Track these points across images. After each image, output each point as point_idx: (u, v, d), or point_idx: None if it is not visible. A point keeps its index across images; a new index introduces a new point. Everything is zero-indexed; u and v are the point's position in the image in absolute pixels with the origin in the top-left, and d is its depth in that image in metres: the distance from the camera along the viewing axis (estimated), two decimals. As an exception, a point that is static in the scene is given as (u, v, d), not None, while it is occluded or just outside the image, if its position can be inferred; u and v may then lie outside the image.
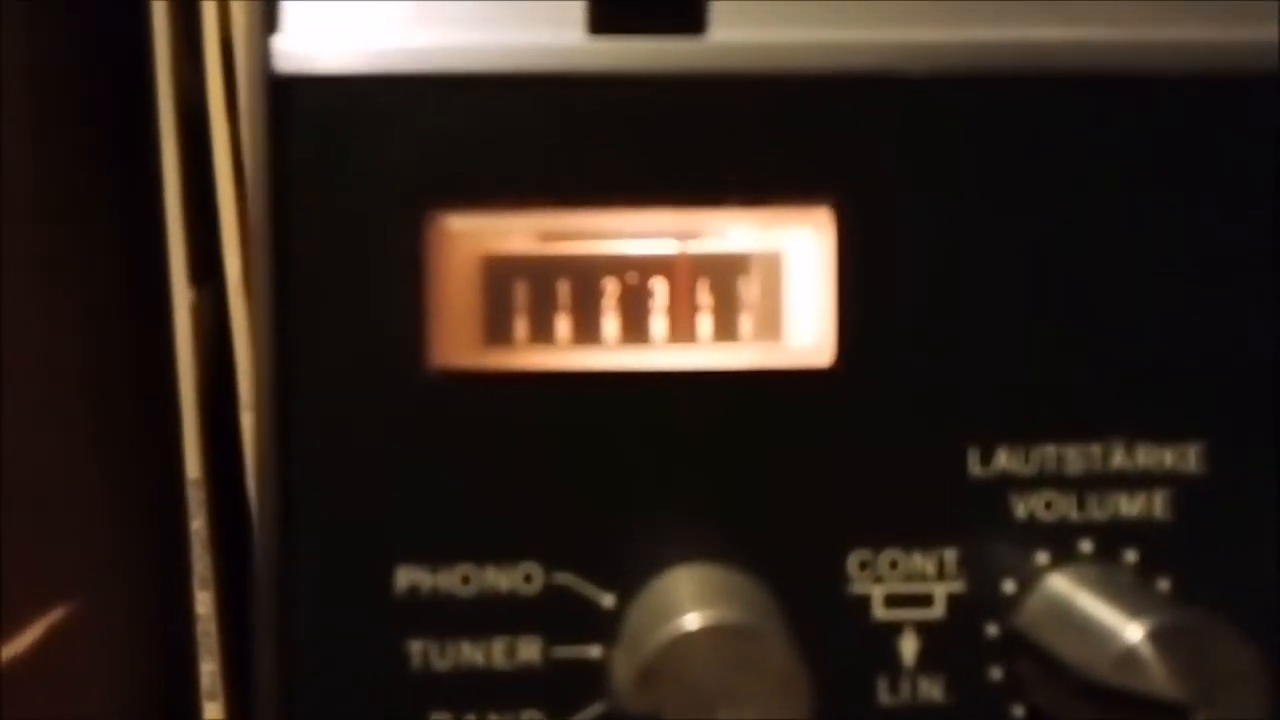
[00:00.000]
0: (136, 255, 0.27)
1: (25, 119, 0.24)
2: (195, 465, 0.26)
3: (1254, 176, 0.19)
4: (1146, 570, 0.19)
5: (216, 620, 0.26)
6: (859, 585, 0.19)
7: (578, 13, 0.19)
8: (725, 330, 0.19)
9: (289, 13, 0.19)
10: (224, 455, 0.26)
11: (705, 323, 0.19)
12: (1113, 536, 0.19)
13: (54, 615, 0.26)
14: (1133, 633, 0.16)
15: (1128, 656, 0.16)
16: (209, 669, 0.26)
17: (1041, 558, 0.19)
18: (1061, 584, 0.18)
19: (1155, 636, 0.16)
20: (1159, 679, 0.16)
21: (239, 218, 0.25)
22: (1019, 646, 0.18)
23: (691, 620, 0.16)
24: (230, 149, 0.25)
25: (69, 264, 0.26)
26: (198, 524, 0.26)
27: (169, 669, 0.27)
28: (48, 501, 0.25)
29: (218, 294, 0.26)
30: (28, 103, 0.24)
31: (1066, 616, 0.17)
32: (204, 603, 0.26)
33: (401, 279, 0.19)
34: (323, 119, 0.18)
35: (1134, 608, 0.16)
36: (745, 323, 0.19)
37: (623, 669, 0.17)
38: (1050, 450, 0.19)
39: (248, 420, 0.25)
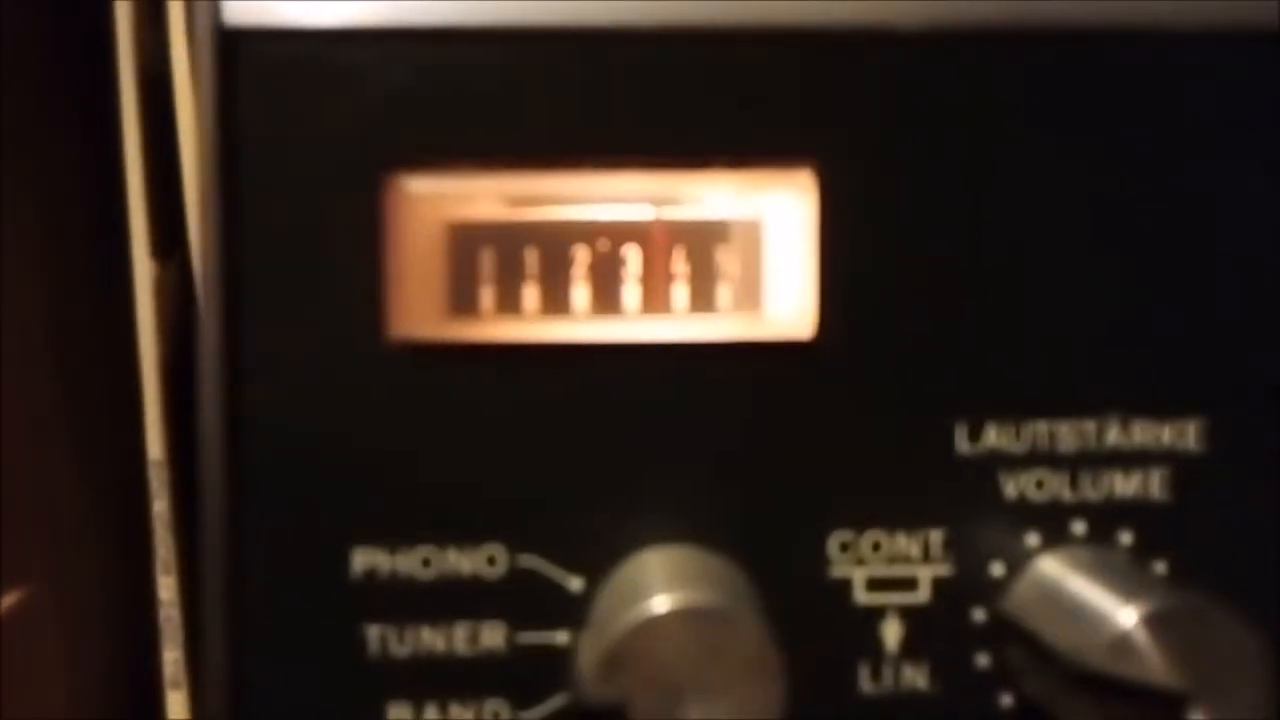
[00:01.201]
0: (102, 228, 0.26)
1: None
2: (157, 446, 0.25)
3: (1250, 145, 0.18)
4: (1142, 553, 0.18)
5: (180, 606, 0.25)
6: (840, 568, 0.18)
7: (548, -36, 0.18)
8: (702, 301, 0.18)
9: (242, -35, 0.18)
10: (191, 436, 0.26)
11: (681, 293, 0.18)
12: (1107, 517, 0.18)
13: (14, 598, 0.25)
14: (1127, 617, 0.15)
15: (1122, 642, 0.15)
16: (172, 657, 0.25)
17: (1032, 539, 0.18)
18: (1052, 567, 0.17)
19: (1151, 621, 0.15)
20: (1155, 666, 0.15)
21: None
22: (1007, 632, 0.18)
23: (660, 603, 0.15)
24: (196, 115, 0.24)
25: (33, 238, 0.26)
26: (160, 506, 0.25)
27: (134, 656, 0.26)
28: (11, 481, 0.25)
29: (184, 267, 0.25)
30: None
31: (1057, 601, 0.17)
32: (167, 588, 0.25)
33: (360, 245, 0.18)
34: (275, 75, 0.17)
35: (1128, 591, 0.16)
36: (723, 293, 0.18)
37: (587, 655, 0.16)
38: (1042, 427, 0.18)
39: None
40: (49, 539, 0.26)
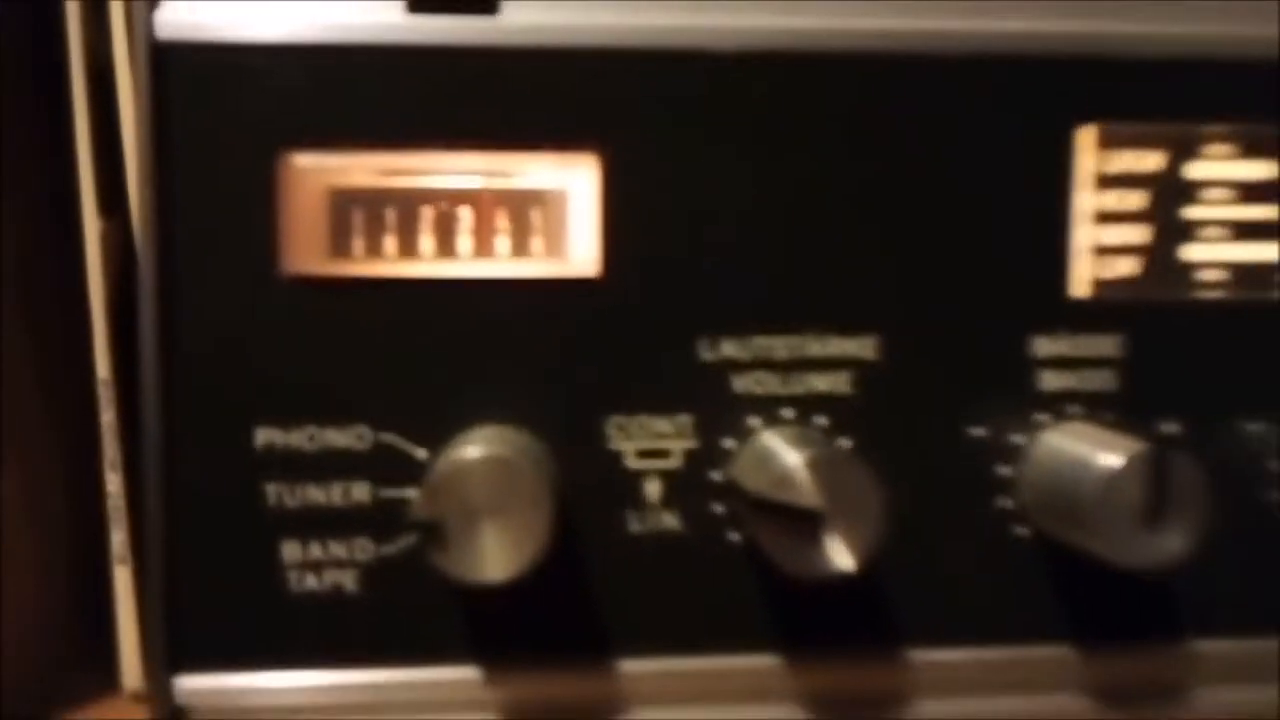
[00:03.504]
0: (59, 192, 0.31)
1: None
2: (105, 367, 0.31)
3: (926, 135, 0.25)
4: (833, 432, 0.25)
5: (125, 497, 0.31)
6: (615, 442, 0.25)
7: (400, -3, 0.24)
8: (519, 249, 0.24)
9: (170, -7, 0.24)
10: (132, 358, 0.31)
11: (503, 243, 0.24)
12: (808, 407, 0.25)
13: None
14: (791, 459, 0.22)
15: (784, 476, 0.22)
16: (119, 538, 0.31)
17: (754, 422, 0.25)
18: (767, 439, 0.24)
19: (806, 462, 0.22)
20: (805, 494, 0.22)
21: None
22: (733, 488, 0.24)
23: (471, 451, 0.22)
24: (134, 103, 0.29)
25: (6, 200, 0.31)
26: (108, 416, 0.31)
27: (87, 539, 0.32)
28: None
29: (125, 223, 0.31)
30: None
31: (758, 458, 0.23)
32: (113, 482, 0.31)
33: (263, 205, 0.24)
34: (196, 76, 0.23)
35: (799, 446, 0.22)
36: (534, 243, 0.25)
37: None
38: (762, 341, 0.25)
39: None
40: (19, 445, 0.31)
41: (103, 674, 0.31)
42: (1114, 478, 0.23)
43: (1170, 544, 0.23)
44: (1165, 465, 0.23)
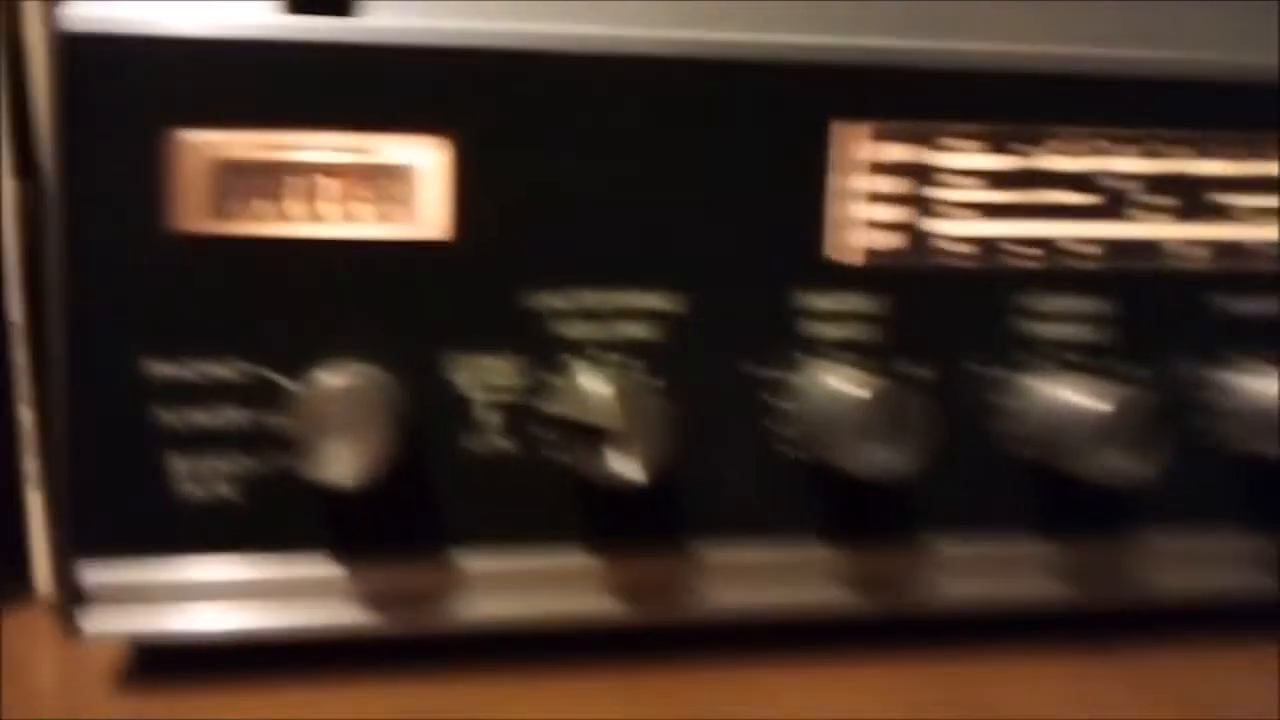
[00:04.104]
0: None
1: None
2: (18, 311, 0.35)
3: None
4: (639, 371, 0.30)
5: (37, 429, 0.35)
6: (460, 378, 0.29)
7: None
8: (382, 215, 0.29)
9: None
10: (41, 304, 0.35)
11: (366, 210, 0.29)
12: (618, 349, 0.30)
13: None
14: (592, 384, 0.27)
15: (591, 403, 0.27)
16: (33, 465, 0.35)
17: (572, 361, 0.30)
18: (581, 375, 0.29)
19: (610, 394, 0.27)
20: (606, 417, 0.27)
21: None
22: (553, 415, 0.29)
23: (329, 380, 0.26)
24: (46, 84, 0.33)
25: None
26: (20, 356, 0.35)
27: (5, 470, 0.36)
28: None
29: (37, 185, 0.35)
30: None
31: (574, 391, 0.28)
32: (26, 416, 0.35)
33: (155, 173, 0.28)
34: (99, 64, 0.27)
35: (607, 380, 0.27)
36: (397, 211, 0.29)
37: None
38: (587, 294, 0.30)
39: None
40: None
41: (19, 583, 0.35)
42: (862, 408, 0.28)
43: (901, 460, 0.29)
44: (900, 399, 0.29)
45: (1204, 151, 0.32)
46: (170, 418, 0.29)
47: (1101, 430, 0.30)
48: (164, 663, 0.30)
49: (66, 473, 0.29)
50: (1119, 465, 0.30)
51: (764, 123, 0.30)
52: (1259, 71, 0.33)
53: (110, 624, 0.29)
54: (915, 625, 0.32)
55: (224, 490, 0.29)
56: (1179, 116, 0.32)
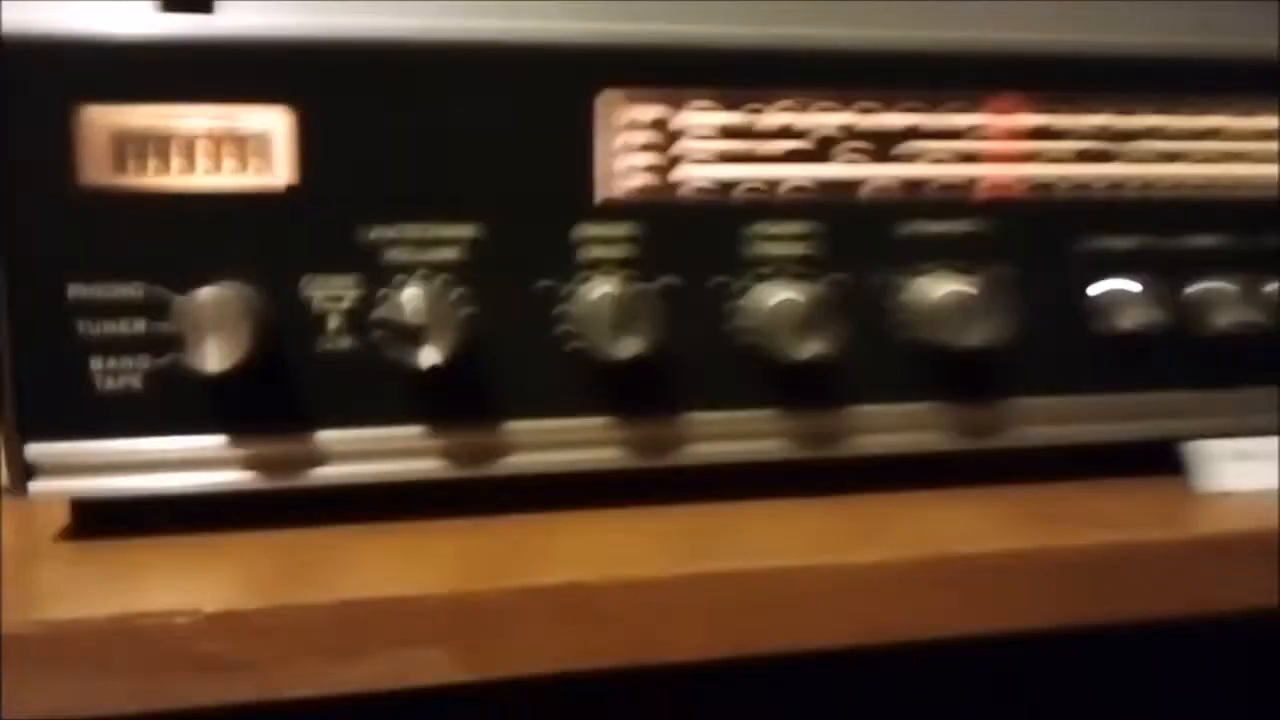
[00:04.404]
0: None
1: None
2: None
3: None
4: (451, 285, 0.39)
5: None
6: (307, 292, 0.38)
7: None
8: (242, 169, 0.38)
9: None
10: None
11: (232, 164, 0.38)
12: (434, 268, 0.39)
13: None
14: (409, 297, 0.36)
15: (406, 308, 0.36)
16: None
17: (398, 278, 0.38)
18: (403, 289, 0.38)
19: (419, 298, 0.36)
20: (413, 317, 0.36)
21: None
22: (381, 319, 0.38)
23: (204, 295, 0.35)
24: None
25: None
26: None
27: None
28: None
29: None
30: None
31: (396, 300, 0.37)
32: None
33: (72, 140, 0.36)
34: (23, 57, 0.36)
35: (418, 293, 0.36)
36: (254, 164, 0.38)
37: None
38: (403, 226, 0.38)
39: None
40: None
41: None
42: (603, 303, 0.38)
43: (644, 344, 0.38)
44: (648, 300, 0.38)
45: (893, 107, 0.42)
46: (89, 328, 0.37)
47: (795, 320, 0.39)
48: (94, 523, 0.39)
49: (12, 376, 0.38)
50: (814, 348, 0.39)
51: (547, 91, 0.39)
52: (944, 44, 0.42)
53: (50, 488, 0.38)
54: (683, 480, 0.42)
55: (132, 383, 0.38)
56: (875, 81, 0.41)
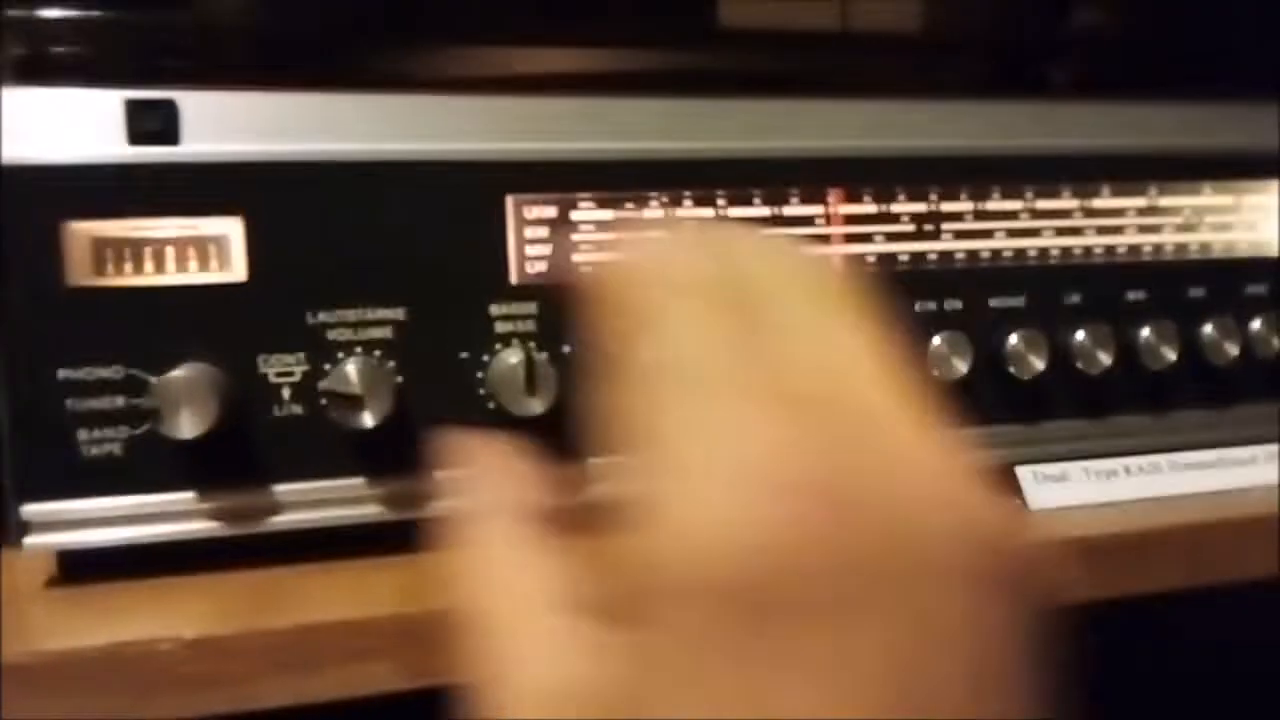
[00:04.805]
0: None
1: None
2: (-40, 343, 0.50)
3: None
4: (382, 360, 0.46)
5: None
6: (263, 368, 0.45)
7: (122, 128, 0.44)
8: (204, 268, 0.45)
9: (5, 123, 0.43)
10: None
11: (194, 264, 0.45)
12: (368, 346, 0.46)
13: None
14: (351, 371, 0.43)
15: (347, 380, 0.43)
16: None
17: (339, 355, 0.46)
18: (344, 364, 0.45)
19: (357, 373, 0.43)
20: (353, 388, 0.43)
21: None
22: (326, 390, 0.45)
23: (177, 374, 0.42)
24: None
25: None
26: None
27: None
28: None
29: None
30: None
31: (339, 373, 0.45)
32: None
33: (58, 249, 0.43)
34: (19, 183, 0.43)
35: (357, 367, 0.44)
36: (213, 263, 0.45)
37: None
38: (341, 312, 0.46)
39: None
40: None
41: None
42: (515, 369, 0.45)
43: (539, 404, 0.46)
44: (545, 368, 0.46)
45: (733, 205, 0.50)
46: (76, 405, 0.44)
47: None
48: (77, 571, 0.46)
49: (10, 447, 0.44)
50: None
51: (464, 198, 0.47)
52: (787, 150, 0.51)
53: (43, 542, 0.44)
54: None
55: (114, 449, 0.44)
56: (730, 181, 0.50)
